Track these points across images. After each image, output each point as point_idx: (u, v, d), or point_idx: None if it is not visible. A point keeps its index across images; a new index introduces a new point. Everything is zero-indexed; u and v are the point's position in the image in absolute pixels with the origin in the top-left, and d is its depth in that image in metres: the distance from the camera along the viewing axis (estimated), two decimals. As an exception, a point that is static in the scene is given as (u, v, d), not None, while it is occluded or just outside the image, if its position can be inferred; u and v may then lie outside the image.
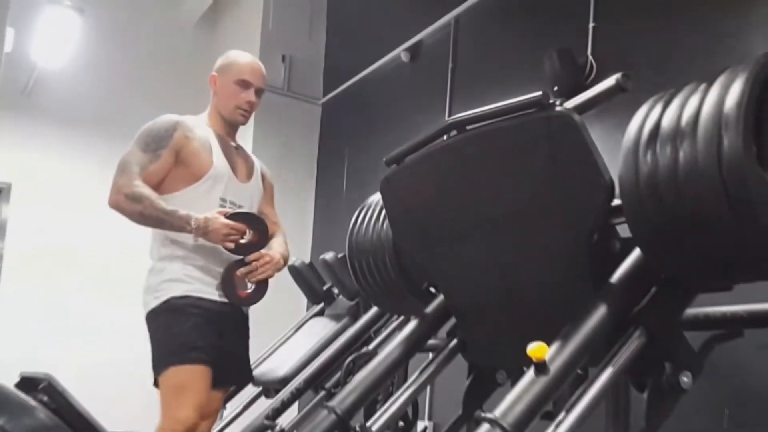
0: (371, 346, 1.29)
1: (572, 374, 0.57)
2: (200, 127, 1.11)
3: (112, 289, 2.47)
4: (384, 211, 0.92)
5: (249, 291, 1.06)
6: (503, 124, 0.66)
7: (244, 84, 1.11)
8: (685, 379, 0.63)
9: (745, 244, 0.48)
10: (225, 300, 1.05)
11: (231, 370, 1.07)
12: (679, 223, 0.50)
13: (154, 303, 1.02)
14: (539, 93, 0.62)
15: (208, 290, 1.04)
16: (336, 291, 1.67)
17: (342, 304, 1.62)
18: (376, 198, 0.97)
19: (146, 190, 1.00)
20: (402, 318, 1.26)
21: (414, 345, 0.84)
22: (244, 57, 1.15)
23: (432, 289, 0.93)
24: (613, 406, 0.84)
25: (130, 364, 1.72)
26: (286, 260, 1.12)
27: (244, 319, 1.13)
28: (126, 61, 3.11)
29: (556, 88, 1.36)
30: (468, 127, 0.71)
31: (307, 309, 2.01)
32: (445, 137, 0.75)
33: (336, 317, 1.58)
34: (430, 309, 0.88)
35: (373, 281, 0.95)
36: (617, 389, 0.82)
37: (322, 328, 1.57)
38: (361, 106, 2.69)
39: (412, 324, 0.87)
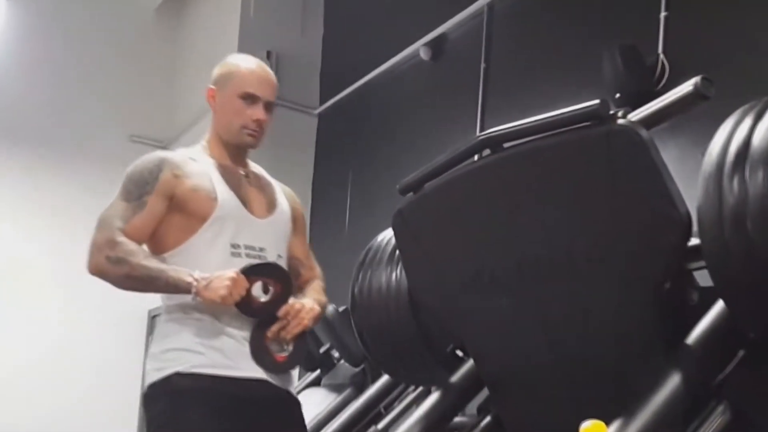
0: (381, 425, 1.34)
1: None
2: (196, 160, 1.17)
3: (65, 345, 3.29)
4: (397, 253, 1.00)
5: (286, 353, 1.06)
6: (550, 141, 0.75)
7: (250, 98, 1.18)
8: None
9: None
10: (255, 376, 1.02)
11: None
12: None
13: (155, 376, 1.03)
14: (596, 102, 0.70)
15: (228, 363, 1.01)
16: (336, 354, 1.75)
17: (343, 371, 1.69)
18: (387, 235, 1.07)
19: (131, 246, 1.05)
20: (420, 389, 1.32)
21: (437, 423, 0.91)
22: (247, 63, 1.23)
23: (459, 353, 1.01)
24: None
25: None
26: (323, 308, 1.13)
27: (290, 404, 1.08)
28: (68, 57, 3.42)
29: (618, 96, 1.46)
30: (505, 145, 0.80)
31: (300, 377, 2.08)
32: (475, 158, 0.85)
33: (336, 388, 1.65)
34: (456, 378, 0.95)
35: (383, 342, 1.01)
36: None
37: (319, 401, 1.63)
38: (368, 117, 2.84)
39: (434, 397, 0.94)
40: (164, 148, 4.54)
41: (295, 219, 1.22)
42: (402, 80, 2.76)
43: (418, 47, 2.60)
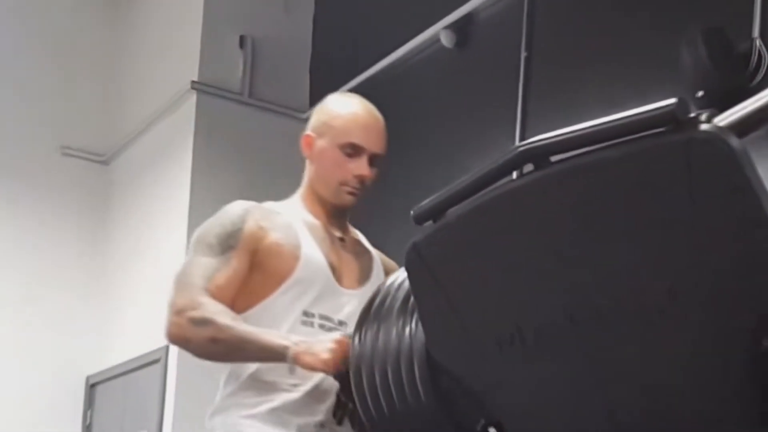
0: None
1: None
2: (285, 213, 1.35)
3: None
4: (412, 300, 1.03)
5: None
6: (612, 153, 0.75)
7: (353, 149, 1.35)
8: None
9: None
10: None
11: None
12: None
13: None
14: (673, 101, 0.70)
15: None
16: None
17: None
18: (400, 277, 1.10)
19: (217, 306, 1.20)
20: None
21: None
22: (351, 107, 1.41)
23: (492, 431, 1.00)
24: None
25: None
26: None
27: None
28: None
29: (701, 94, 1.48)
30: (553, 159, 0.83)
31: None
32: (514, 175, 0.88)
33: None
34: None
35: (393, 415, 1.03)
36: None
37: None
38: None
39: None
40: (104, 163, 4.64)
41: None
42: (417, 74, 2.84)
43: (438, 31, 2.67)
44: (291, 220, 1.34)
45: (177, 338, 1.25)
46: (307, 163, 1.44)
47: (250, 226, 1.29)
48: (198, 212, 3.24)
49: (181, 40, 3.78)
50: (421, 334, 1.01)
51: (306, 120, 3.31)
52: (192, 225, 3.25)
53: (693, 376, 0.77)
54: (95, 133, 4.36)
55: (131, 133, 4.18)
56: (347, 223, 1.46)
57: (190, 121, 3.67)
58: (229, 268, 1.24)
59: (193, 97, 3.63)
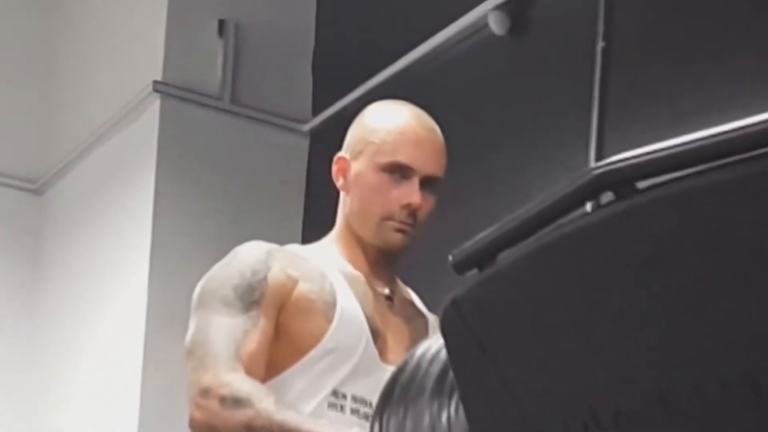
0: None
1: None
2: (316, 259, 1.42)
3: None
4: (450, 376, 1.08)
5: None
6: (727, 176, 0.81)
7: (399, 170, 1.41)
8: None
9: None
10: None
11: None
12: None
13: None
14: None
15: None
16: None
17: None
18: (433, 346, 1.13)
19: (253, 385, 1.31)
20: None
21: None
22: (397, 118, 1.47)
23: None
24: None
25: None
26: None
27: None
28: None
29: None
30: (640, 185, 0.87)
31: None
32: (588, 206, 0.91)
33: None
34: None
35: None
36: None
37: None
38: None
39: None
40: (36, 192, 4.67)
41: None
42: (458, 69, 2.90)
43: (486, 13, 2.75)
44: (324, 270, 1.41)
45: (203, 425, 1.32)
46: (342, 195, 1.51)
47: (275, 274, 1.37)
48: (162, 254, 3.27)
49: (139, 27, 3.78)
50: (463, 421, 1.04)
51: (307, 133, 3.40)
52: (155, 270, 3.28)
53: None
54: (27, 156, 4.51)
55: (68, 155, 4.24)
56: (396, 275, 1.52)
57: (151, 135, 3.58)
58: (258, 330, 1.33)
59: (156, 103, 3.57)
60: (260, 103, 3.39)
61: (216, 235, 3.11)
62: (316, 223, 3.27)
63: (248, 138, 3.29)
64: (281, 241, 3.44)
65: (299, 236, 3.32)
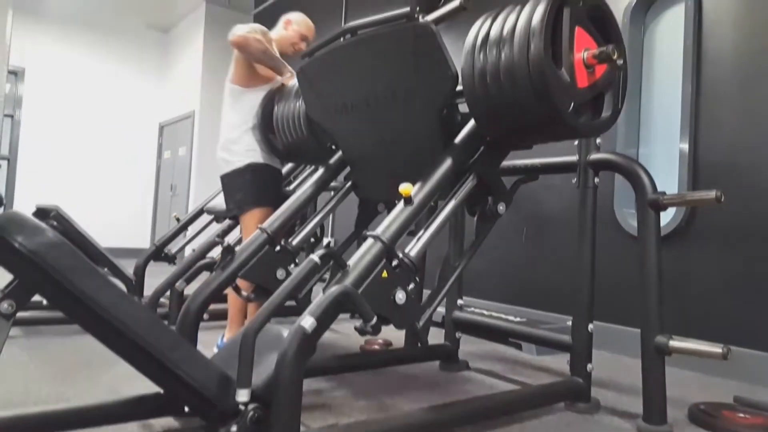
0: (291, 187, 3.45)
1: (428, 205, 2.23)
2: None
3: (104, 145, 11.06)
4: (299, 91, 2.84)
5: None
6: (383, 30, 2.47)
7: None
8: (501, 207, 2.40)
9: (543, 117, 2.06)
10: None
11: None
12: (501, 103, 2.09)
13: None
14: (407, 9, 2.38)
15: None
16: None
17: None
18: (294, 82, 2.92)
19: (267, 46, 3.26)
20: (312, 167, 3.54)
21: (321, 186, 2.70)
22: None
23: (333, 147, 2.82)
24: (455, 226, 2.78)
25: (115, 199, 11.11)
26: None
27: None
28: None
29: (418, 7, 2.96)
30: (359, 32, 2.59)
31: None
32: (342, 39, 2.64)
33: None
34: (332, 161, 2.77)
35: (292, 141, 2.86)
36: (457, 215, 2.76)
37: None
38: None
39: (321, 171, 2.75)
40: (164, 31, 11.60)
41: None
42: None
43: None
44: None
45: (242, 39, 3.17)
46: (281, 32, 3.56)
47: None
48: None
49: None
50: (303, 106, 2.80)
51: (251, 16, 8.67)
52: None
53: (416, 125, 2.38)
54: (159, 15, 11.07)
55: (182, 16, 10.85)
56: None
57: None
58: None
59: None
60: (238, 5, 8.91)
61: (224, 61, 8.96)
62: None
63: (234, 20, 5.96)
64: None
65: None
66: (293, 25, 3.51)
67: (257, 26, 3.25)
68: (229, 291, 2.65)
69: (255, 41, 3.14)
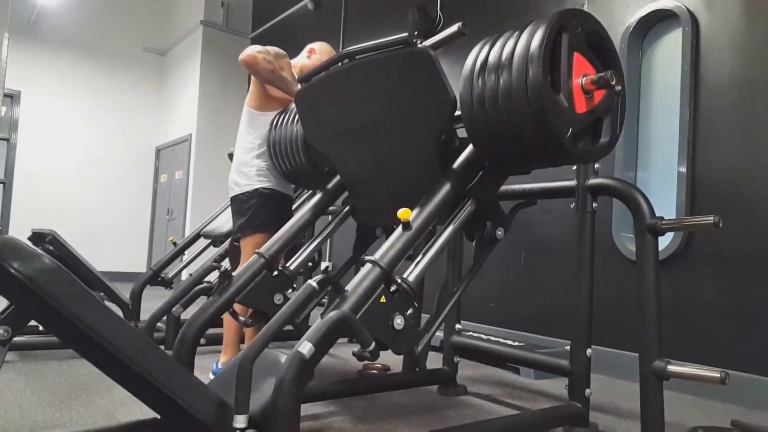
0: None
1: (427, 230, 2.21)
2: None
3: (100, 168, 11.13)
4: (297, 116, 2.86)
5: None
6: (381, 55, 2.47)
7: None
8: (499, 232, 2.39)
9: (541, 143, 2.06)
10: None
11: None
12: (499, 128, 2.11)
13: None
14: (405, 34, 2.36)
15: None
16: None
17: None
18: (291, 107, 2.94)
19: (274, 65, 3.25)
20: (310, 192, 3.56)
21: (319, 210, 2.69)
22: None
23: (331, 172, 2.81)
24: (453, 251, 2.77)
25: (111, 223, 11.11)
26: None
27: None
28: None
29: (416, 32, 3.12)
30: (357, 57, 2.59)
31: None
32: (340, 64, 2.65)
33: None
34: (330, 185, 2.77)
35: (291, 167, 2.86)
36: (456, 240, 2.76)
37: None
38: (281, 40, 5.34)
39: (318, 196, 2.74)
40: (161, 53, 11.70)
41: None
42: (298, 20, 6.13)
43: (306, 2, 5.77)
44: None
45: (252, 60, 3.17)
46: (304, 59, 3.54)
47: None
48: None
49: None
50: (301, 131, 2.79)
51: (249, 39, 9.00)
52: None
53: (415, 150, 2.39)
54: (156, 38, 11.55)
55: (176, 41, 11.18)
56: None
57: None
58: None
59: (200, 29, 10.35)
60: (235, 27, 9.15)
61: (220, 81, 9.67)
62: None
63: (232, 42, 8.49)
64: (239, 80, 9.53)
65: (246, 82, 8.78)
66: (316, 54, 3.54)
67: (272, 48, 3.28)
68: (225, 315, 2.63)
69: (264, 60, 3.14)
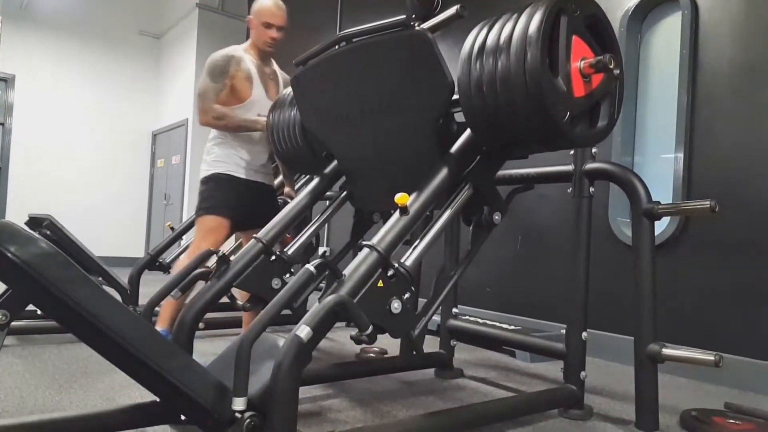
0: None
1: (424, 215, 2.22)
2: (242, 54, 3.25)
3: (97, 153, 11.19)
4: (294, 100, 2.84)
5: None
6: (379, 38, 2.47)
7: (269, 24, 3.31)
8: (497, 217, 2.40)
9: (539, 127, 2.06)
10: (255, 179, 3.40)
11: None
12: (497, 113, 2.11)
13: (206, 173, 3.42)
14: (403, 17, 2.35)
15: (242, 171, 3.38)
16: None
17: None
18: (288, 90, 2.93)
19: (223, 110, 3.26)
20: (308, 176, 3.72)
21: (317, 195, 2.69)
22: (266, 3, 3.34)
23: (328, 156, 2.80)
24: (450, 236, 2.76)
25: (108, 208, 11.13)
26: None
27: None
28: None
29: (414, 15, 2.99)
30: (354, 40, 2.58)
31: None
32: (337, 47, 2.64)
33: None
34: (327, 170, 2.75)
35: (289, 153, 2.85)
36: (453, 224, 2.76)
37: None
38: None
39: (315, 181, 2.73)
40: (157, 37, 11.66)
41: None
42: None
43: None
44: (246, 61, 3.28)
45: (207, 125, 3.28)
46: (251, 30, 3.36)
47: (232, 68, 3.26)
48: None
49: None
50: (298, 115, 2.78)
51: (246, 21, 6.95)
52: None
53: (413, 135, 2.38)
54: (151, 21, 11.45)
55: (172, 25, 11.05)
56: (271, 61, 3.45)
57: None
58: (223, 90, 3.22)
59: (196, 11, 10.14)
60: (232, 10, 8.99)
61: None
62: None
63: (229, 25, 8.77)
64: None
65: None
66: (254, 20, 3.41)
67: (207, 90, 3.32)
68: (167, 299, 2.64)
69: (215, 120, 3.31)
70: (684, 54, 3.96)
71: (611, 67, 2.05)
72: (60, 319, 1.70)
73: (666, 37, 4.26)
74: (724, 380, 3.49)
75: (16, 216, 2.20)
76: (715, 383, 3.53)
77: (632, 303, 2.55)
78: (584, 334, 2.69)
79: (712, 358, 2.31)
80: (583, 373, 2.69)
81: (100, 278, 4.19)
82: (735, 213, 3.56)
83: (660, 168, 4.19)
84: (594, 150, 2.78)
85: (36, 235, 1.61)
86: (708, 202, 2.43)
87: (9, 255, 1.49)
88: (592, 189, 2.76)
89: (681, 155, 3.91)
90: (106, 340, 1.63)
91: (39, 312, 3.85)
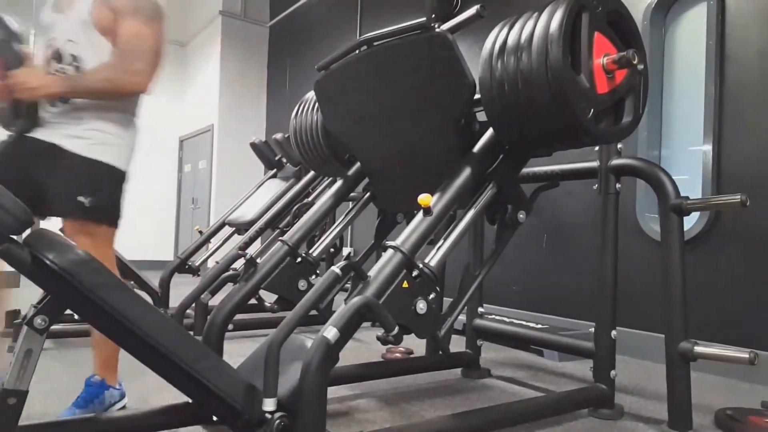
0: (310, 198, 3.63)
1: (447, 215, 2.25)
2: None
3: None
4: (317, 104, 2.90)
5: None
6: (399, 40, 2.47)
7: None
8: (521, 215, 2.41)
9: (562, 125, 2.09)
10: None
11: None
12: (519, 111, 2.13)
13: None
14: (423, 19, 2.36)
15: None
16: (284, 160, 5.61)
17: (289, 169, 5.35)
18: (311, 95, 2.93)
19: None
20: (331, 179, 3.64)
21: (340, 197, 2.74)
22: None
23: (351, 159, 2.86)
24: (474, 235, 2.79)
25: (138, 213, 9.97)
26: (83, 85, 2.36)
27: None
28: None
29: (434, 16, 2.72)
30: (375, 43, 2.61)
31: (264, 173, 6.24)
32: (358, 51, 2.67)
33: (285, 179, 5.16)
34: (350, 172, 2.82)
35: (310, 153, 2.89)
36: (477, 224, 2.78)
37: (275, 186, 5.16)
38: (298, 29, 6.05)
39: (338, 183, 2.80)
40: (181, 45, 12.11)
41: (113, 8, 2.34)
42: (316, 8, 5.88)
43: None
44: None
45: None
46: None
47: None
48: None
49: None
50: (321, 119, 2.83)
51: (267, 28, 10.00)
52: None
53: (435, 135, 2.40)
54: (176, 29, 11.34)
55: (194, 34, 11.32)
56: None
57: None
58: None
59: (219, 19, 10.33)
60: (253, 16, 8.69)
61: (240, 68, 10.24)
62: (272, 61, 9.60)
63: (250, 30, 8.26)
64: (257, 65, 10.51)
65: (265, 68, 10.77)
66: None
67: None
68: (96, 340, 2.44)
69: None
70: (710, 45, 3.94)
71: (635, 62, 2.06)
72: (95, 323, 1.76)
73: (691, 28, 4.23)
74: (761, 378, 3.46)
75: (49, 224, 2.26)
76: (750, 381, 3.51)
77: (662, 300, 2.55)
78: (614, 332, 2.69)
79: (747, 355, 2.30)
80: (613, 372, 2.69)
81: (132, 282, 4.28)
82: (767, 207, 3.53)
83: (688, 161, 4.16)
84: (619, 146, 2.78)
85: (71, 242, 1.67)
86: (739, 196, 2.43)
87: (47, 262, 1.55)
88: (618, 185, 2.77)
89: (710, 147, 3.88)
90: (139, 343, 1.69)
91: (75, 316, 3.94)
